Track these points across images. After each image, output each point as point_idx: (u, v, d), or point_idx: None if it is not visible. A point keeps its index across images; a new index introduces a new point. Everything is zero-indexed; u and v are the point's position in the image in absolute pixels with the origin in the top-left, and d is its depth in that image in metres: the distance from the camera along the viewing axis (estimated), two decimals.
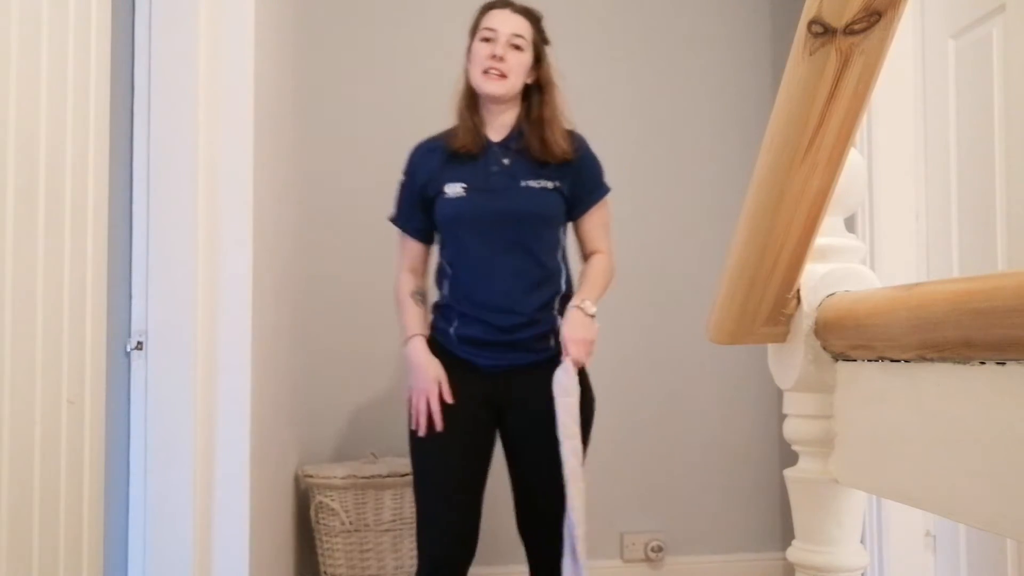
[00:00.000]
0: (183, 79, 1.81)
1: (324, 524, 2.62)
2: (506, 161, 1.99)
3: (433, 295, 2.13)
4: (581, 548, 1.92)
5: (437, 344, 2.00)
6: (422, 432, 1.92)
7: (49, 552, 1.36)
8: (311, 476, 2.64)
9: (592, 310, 1.95)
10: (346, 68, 3.04)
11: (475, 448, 1.97)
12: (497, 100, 1.99)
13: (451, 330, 1.98)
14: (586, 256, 2.08)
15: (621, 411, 3.10)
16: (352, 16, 3.05)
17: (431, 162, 2.03)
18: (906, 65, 2.38)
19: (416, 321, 2.02)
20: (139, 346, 1.78)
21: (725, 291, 0.90)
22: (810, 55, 0.73)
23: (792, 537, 0.92)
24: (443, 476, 1.94)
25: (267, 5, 2.17)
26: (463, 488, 1.94)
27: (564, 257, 2.06)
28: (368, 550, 2.58)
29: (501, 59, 1.93)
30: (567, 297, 2.03)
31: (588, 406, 1.99)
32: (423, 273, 2.12)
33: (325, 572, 2.64)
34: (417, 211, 2.05)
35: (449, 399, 1.92)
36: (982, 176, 2.14)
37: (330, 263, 2.97)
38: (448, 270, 2.02)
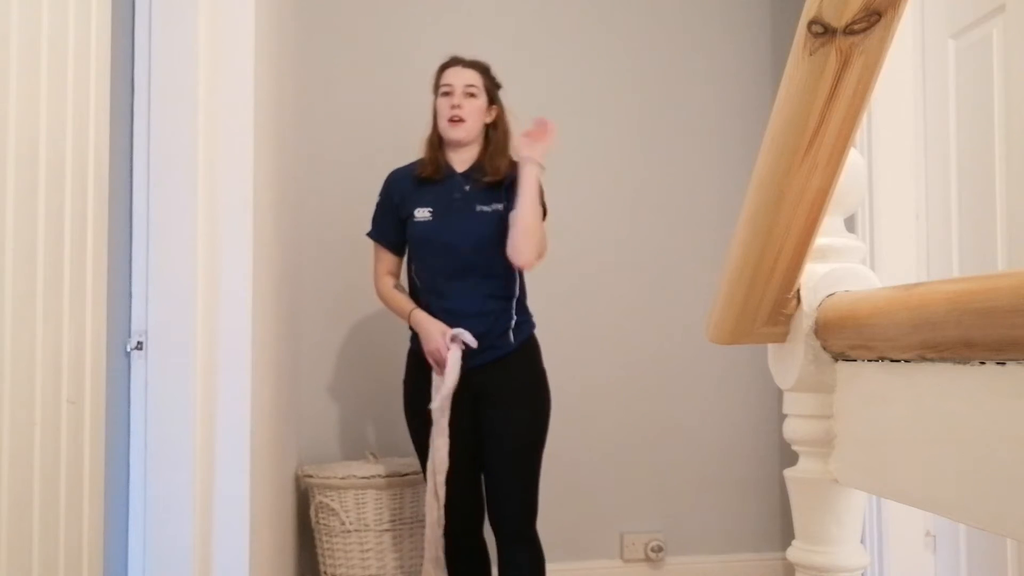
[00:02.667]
0: (183, 79, 1.81)
1: (324, 524, 2.62)
2: (467, 188, 2.34)
3: None
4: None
5: (417, 352, 2.34)
6: (438, 372, 2.26)
7: (49, 552, 1.36)
8: (311, 476, 2.64)
9: (538, 169, 2.27)
10: (346, 68, 3.04)
11: (465, 432, 2.28)
12: (460, 143, 2.35)
13: None
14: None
15: (621, 411, 3.10)
16: (352, 17, 3.05)
17: (403, 186, 2.39)
18: (906, 65, 2.38)
19: (408, 300, 2.37)
20: (139, 346, 1.78)
21: (725, 291, 0.90)
22: (810, 55, 0.73)
23: (792, 537, 0.92)
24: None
25: (267, 5, 2.17)
26: (460, 469, 2.25)
27: (514, 268, 2.34)
28: (368, 550, 2.58)
29: (459, 107, 2.31)
30: (521, 300, 2.37)
31: (543, 407, 2.33)
32: (398, 277, 2.44)
33: (325, 572, 2.64)
34: (391, 227, 2.39)
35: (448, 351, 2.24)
36: (982, 176, 2.14)
37: (329, 263, 2.97)
38: (418, 283, 2.37)
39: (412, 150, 2.92)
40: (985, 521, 0.65)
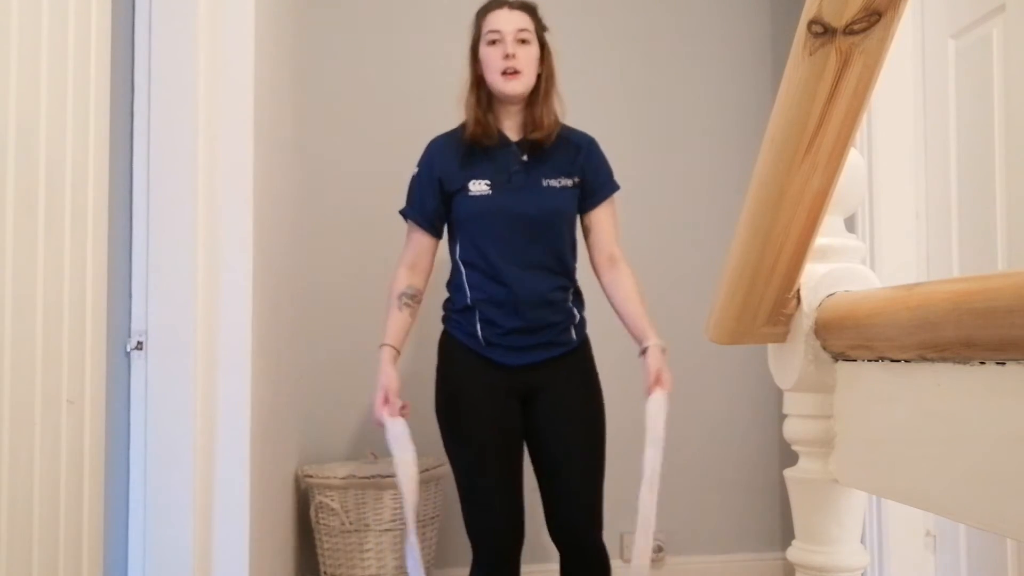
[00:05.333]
0: (183, 79, 1.81)
1: (324, 524, 2.62)
2: (524, 159, 2.04)
3: (441, 295, 2.15)
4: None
5: (460, 344, 2.05)
6: (377, 422, 2.02)
7: (49, 552, 1.36)
8: (311, 476, 2.64)
9: (663, 345, 2.07)
10: (346, 67, 3.04)
11: (510, 435, 2.03)
12: (517, 99, 2.03)
13: (475, 331, 2.03)
14: (600, 259, 2.12)
15: (621, 411, 3.09)
16: (351, 14, 3.05)
17: (448, 156, 2.06)
18: (906, 65, 2.38)
19: (394, 329, 2.05)
20: (139, 346, 1.78)
21: (725, 291, 0.91)
22: (810, 55, 0.73)
23: (792, 537, 0.92)
24: (483, 466, 2.00)
25: (267, 5, 2.17)
26: (504, 475, 2.00)
27: (574, 252, 2.11)
28: (368, 550, 2.58)
29: (513, 56, 1.98)
30: (578, 292, 2.11)
31: (603, 406, 2.13)
32: (424, 270, 2.11)
33: (325, 572, 2.64)
34: (430, 203, 2.06)
35: (394, 414, 2.00)
36: (982, 176, 2.14)
37: (330, 262, 2.97)
38: (464, 270, 2.05)
39: (416, 144, 2.90)
40: (985, 521, 0.65)
